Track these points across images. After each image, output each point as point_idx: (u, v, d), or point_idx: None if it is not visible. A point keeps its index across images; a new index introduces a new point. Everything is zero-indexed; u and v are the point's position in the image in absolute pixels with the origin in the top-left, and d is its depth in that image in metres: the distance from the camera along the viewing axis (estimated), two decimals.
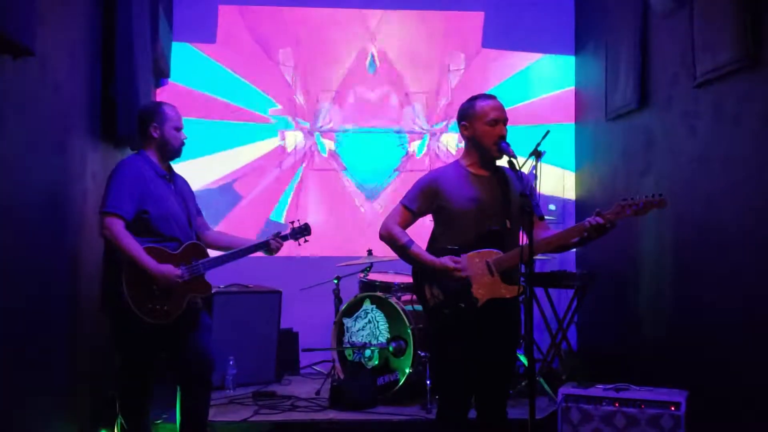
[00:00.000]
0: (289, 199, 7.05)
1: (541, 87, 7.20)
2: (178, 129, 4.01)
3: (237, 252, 4.12)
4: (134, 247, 3.71)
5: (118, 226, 3.71)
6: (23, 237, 3.30)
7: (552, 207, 6.94)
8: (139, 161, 3.94)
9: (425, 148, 7.19)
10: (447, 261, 3.56)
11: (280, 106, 7.07)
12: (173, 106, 4.08)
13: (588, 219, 3.48)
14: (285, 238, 4.30)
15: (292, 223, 4.44)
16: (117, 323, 3.89)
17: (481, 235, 3.60)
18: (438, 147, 7.20)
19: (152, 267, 3.72)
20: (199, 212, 4.24)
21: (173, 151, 4.02)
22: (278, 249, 4.25)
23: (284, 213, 6.99)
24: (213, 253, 4.11)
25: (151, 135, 3.97)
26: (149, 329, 3.78)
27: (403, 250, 3.68)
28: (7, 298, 3.12)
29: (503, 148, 3.56)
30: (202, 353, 3.99)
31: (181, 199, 4.03)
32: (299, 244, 4.43)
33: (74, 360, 4.06)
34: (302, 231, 4.41)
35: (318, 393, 5.69)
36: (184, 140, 4.05)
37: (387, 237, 3.72)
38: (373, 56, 7.14)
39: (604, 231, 3.47)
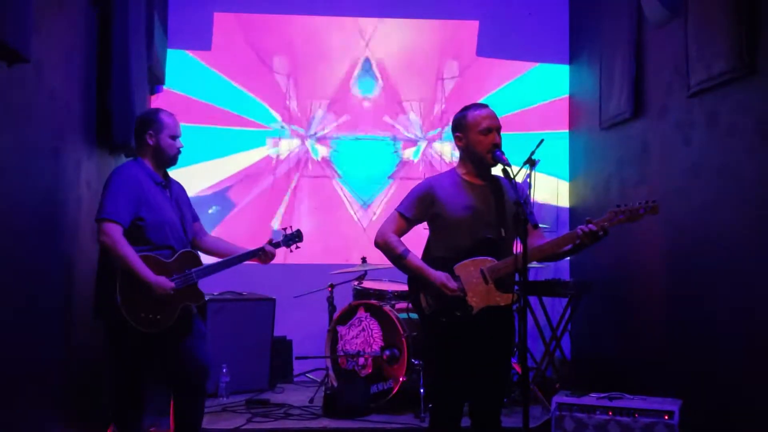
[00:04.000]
0: (284, 207, 7.05)
1: (536, 96, 7.22)
2: (175, 137, 4.00)
3: (229, 260, 4.12)
4: (132, 255, 3.70)
5: (116, 232, 3.70)
6: (17, 244, 3.29)
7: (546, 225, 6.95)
8: (135, 168, 3.93)
9: (420, 156, 7.20)
10: (443, 279, 3.56)
11: (275, 114, 7.08)
12: (171, 114, 4.07)
13: (580, 227, 3.49)
14: (277, 245, 4.29)
15: (285, 229, 4.43)
16: (110, 331, 3.88)
17: (476, 243, 3.60)
18: (432, 154, 7.21)
19: (149, 277, 3.71)
20: (195, 218, 4.24)
21: (168, 159, 4.01)
22: (273, 256, 4.24)
23: (278, 220, 6.99)
24: (209, 259, 4.10)
25: (147, 142, 3.97)
26: (142, 337, 3.77)
27: (399, 259, 3.68)
28: (1, 306, 3.11)
29: (497, 156, 3.56)
30: (197, 360, 3.98)
31: (177, 206, 4.02)
32: (291, 251, 4.42)
33: (67, 367, 4.05)
34: (294, 237, 4.40)
35: (311, 401, 5.68)
36: (180, 149, 4.04)
37: (383, 245, 3.73)
38: (369, 63, 7.14)
39: (596, 238, 3.47)
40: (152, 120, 3.99)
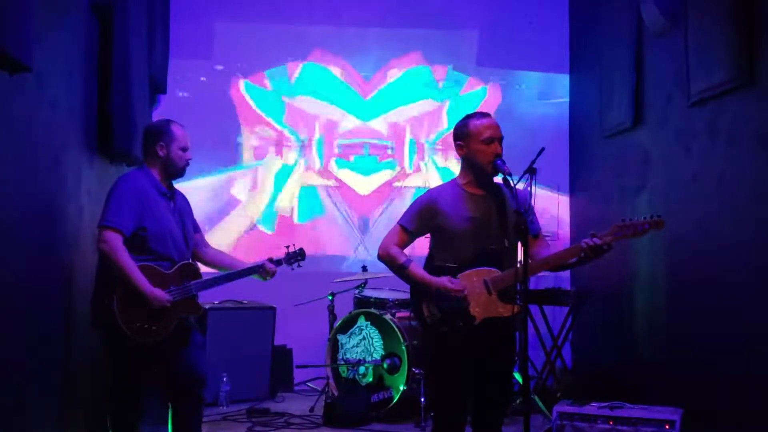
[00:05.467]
0: (284, 215, 7.05)
1: (535, 104, 7.24)
2: (184, 149, 3.99)
3: (229, 275, 4.12)
4: (130, 264, 3.70)
5: (116, 240, 3.69)
6: (18, 252, 3.29)
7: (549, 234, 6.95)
8: (141, 177, 3.92)
9: (420, 165, 7.21)
10: (445, 281, 3.56)
11: (274, 123, 7.09)
12: (182, 125, 4.05)
13: (585, 240, 3.45)
14: (279, 262, 4.30)
15: (287, 247, 4.43)
16: (108, 339, 3.88)
17: (478, 253, 3.59)
18: (433, 163, 7.21)
19: (145, 288, 3.70)
20: (197, 229, 4.23)
21: (177, 170, 4.01)
22: (273, 274, 4.24)
23: (277, 228, 7.00)
24: (209, 272, 4.10)
25: (157, 153, 3.95)
26: (140, 346, 3.77)
27: (401, 269, 3.66)
28: (1, 313, 3.11)
29: (498, 166, 3.55)
30: (193, 369, 3.97)
31: (180, 217, 4.02)
32: (292, 269, 4.43)
33: (67, 375, 4.05)
34: (296, 256, 4.41)
35: (312, 410, 5.67)
36: (189, 161, 4.04)
37: (385, 257, 3.71)
38: (369, 71, 7.17)
39: (601, 252, 3.45)
40: (163, 131, 3.98)
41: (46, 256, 3.72)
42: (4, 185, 3.13)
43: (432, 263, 3.69)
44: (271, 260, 4.24)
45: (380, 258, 3.74)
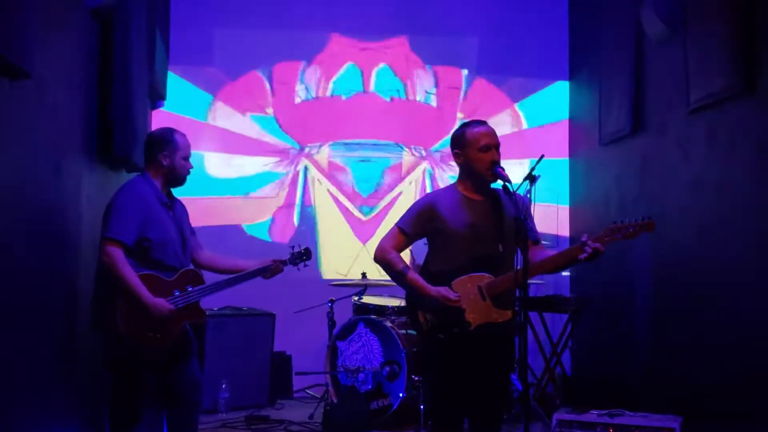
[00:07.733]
0: (283, 221, 7.05)
1: (536, 111, 7.25)
2: (186, 158, 4.02)
3: (231, 279, 4.11)
4: (131, 276, 3.70)
5: (118, 253, 3.71)
6: (18, 258, 3.29)
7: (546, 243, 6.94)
8: (143, 185, 3.93)
9: (420, 171, 7.21)
10: (443, 291, 3.55)
11: (273, 128, 7.10)
12: (184, 134, 4.07)
13: (589, 244, 3.41)
14: (284, 263, 4.28)
15: (293, 247, 4.42)
16: (110, 347, 3.88)
17: (474, 259, 3.58)
18: (433, 169, 7.22)
19: (147, 299, 3.71)
20: (192, 232, 4.24)
21: (179, 179, 4.02)
22: (278, 273, 4.23)
23: (278, 235, 7.00)
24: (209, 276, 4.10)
25: (161, 162, 3.96)
26: (140, 353, 3.77)
27: (400, 276, 3.66)
28: (3, 320, 3.11)
29: (498, 173, 3.55)
30: (189, 375, 3.97)
31: (179, 225, 4.03)
32: (299, 269, 4.41)
33: (68, 381, 4.04)
34: (302, 256, 4.39)
35: (311, 417, 5.66)
36: (191, 169, 4.05)
37: (383, 261, 3.70)
38: (371, 79, 7.18)
39: (598, 255, 3.45)
40: (167, 140, 3.99)
41: (46, 262, 3.72)
42: (4, 192, 3.13)
43: (427, 269, 3.69)
44: (275, 261, 4.23)
45: (376, 260, 3.73)
